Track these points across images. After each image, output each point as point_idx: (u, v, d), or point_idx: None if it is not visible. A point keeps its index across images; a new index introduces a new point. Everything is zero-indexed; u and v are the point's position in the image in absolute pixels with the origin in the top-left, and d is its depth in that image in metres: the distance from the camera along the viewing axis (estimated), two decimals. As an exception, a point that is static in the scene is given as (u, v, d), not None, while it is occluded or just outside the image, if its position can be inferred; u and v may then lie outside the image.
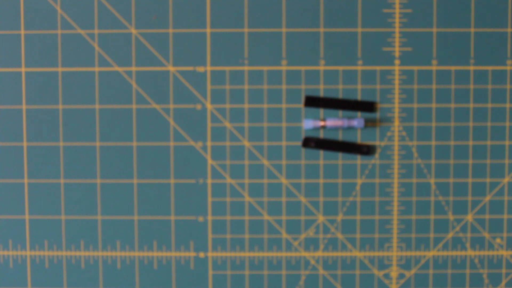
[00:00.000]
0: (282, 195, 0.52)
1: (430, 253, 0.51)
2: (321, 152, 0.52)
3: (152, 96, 0.51)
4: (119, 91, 0.51)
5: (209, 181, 0.51)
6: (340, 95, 0.51)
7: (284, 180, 0.52)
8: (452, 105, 0.51)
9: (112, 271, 0.52)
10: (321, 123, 0.50)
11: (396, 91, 0.51)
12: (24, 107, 0.50)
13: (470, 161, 0.51)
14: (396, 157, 0.52)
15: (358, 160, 0.52)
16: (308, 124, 0.50)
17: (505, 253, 0.51)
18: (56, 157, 0.51)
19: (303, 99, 0.51)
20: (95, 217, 0.52)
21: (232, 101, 0.51)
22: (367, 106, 0.51)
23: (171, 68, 0.51)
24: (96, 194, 0.51)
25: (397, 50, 0.50)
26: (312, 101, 0.50)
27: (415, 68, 0.51)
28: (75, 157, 0.51)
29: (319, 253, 0.51)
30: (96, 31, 0.50)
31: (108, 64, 0.51)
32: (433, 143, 0.51)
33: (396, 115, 0.52)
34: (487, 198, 0.51)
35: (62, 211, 0.52)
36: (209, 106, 0.51)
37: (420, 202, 0.52)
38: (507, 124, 0.50)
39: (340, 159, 0.52)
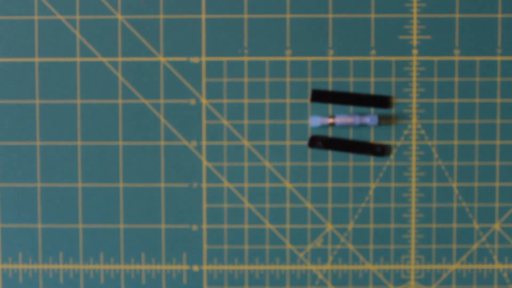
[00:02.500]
0: (286, 200, 0.50)
1: (453, 267, 0.50)
2: (330, 153, 0.50)
3: (140, 90, 0.50)
4: (103, 84, 0.50)
5: (204, 185, 0.50)
6: (351, 89, 0.50)
7: (288, 184, 0.50)
8: (477, 100, 0.50)
9: (94, 287, 0.51)
10: (330, 121, 0.49)
11: (414, 84, 0.50)
12: (-4, 102, 0.50)
13: (497, 163, 0.50)
14: (413, 158, 0.50)
15: (371, 161, 0.50)
16: (315, 121, 0.49)
17: (537, 266, 0.50)
18: (32, 158, 0.50)
19: (309, 94, 0.50)
20: (76, 226, 0.50)
21: (230, 95, 0.50)
22: (381, 101, 0.49)
23: (161, 59, 0.49)
24: (77, 200, 0.50)
25: (414, 39, 0.49)
26: (320, 96, 0.49)
27: (435, 58, 0.49)
28: (54, 158, 0.50)
29: (328, 266, 0.50)
30: (77, 17, 0.49)
31: (91, 54, 0.49)
32: (455, 142, 0.50)
33: (414, 111, 0.50)
34: (517, 204, 0.50)
35: (39, 218, 0.50)
36: (204, 101, 0.50)
37: (441, 209, 0.50)
38: (539, 121, 0.49)
39: (351, 160, 0.50)
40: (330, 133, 0.50)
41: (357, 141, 0.50)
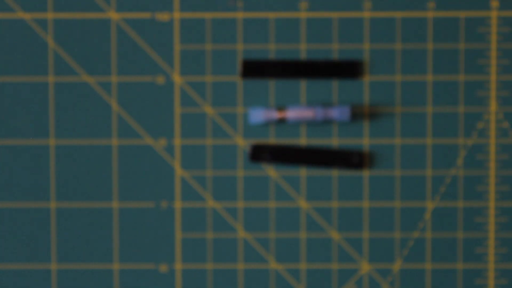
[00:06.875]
0: (300, 227, 0.46)
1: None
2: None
3: (82, 62, 0.46)
4: (26, 53, 0.45)
5: (178, 204, 0.46)
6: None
7: (303, 203, 0.46)
8: None
9: None
10: (278, 115, 0.45)
11: (493, 47, 0.44)
12: None
13: None
14: (492, 164, 0.45)
15: (429, 169, 0.45)
16: (257, 116, 0.45)
17: None
18: None
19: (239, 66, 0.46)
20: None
21: (215, 70, 0.46)
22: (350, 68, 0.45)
23: (113, 15, 0.46)
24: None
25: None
26: (253, 68, 0.46)
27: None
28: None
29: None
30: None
31: (7, 8, 0.45)
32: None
33: (493, 88, 0.44)
34: None
35: None
36: (177, 78, 0.46)
37: (532, 241, 0.46)
38: None
39: (397, 167, 0.45)
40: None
41: (324, 148, 0.45)
